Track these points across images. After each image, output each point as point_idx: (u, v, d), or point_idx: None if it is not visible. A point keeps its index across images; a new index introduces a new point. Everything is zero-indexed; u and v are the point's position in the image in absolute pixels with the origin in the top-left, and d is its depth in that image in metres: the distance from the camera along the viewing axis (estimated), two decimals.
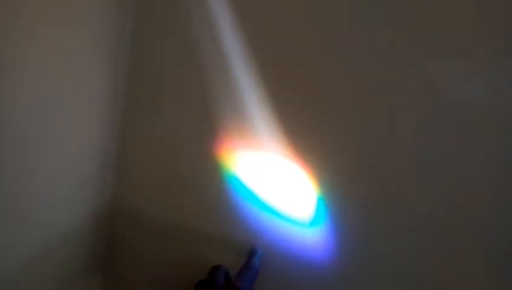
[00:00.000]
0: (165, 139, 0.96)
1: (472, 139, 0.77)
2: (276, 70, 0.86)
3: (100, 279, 1.07)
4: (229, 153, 0.91)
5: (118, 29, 0.92)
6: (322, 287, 0.89)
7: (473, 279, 0.82)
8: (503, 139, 0.76)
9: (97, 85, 0.91)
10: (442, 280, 0.83)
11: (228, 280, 0.85)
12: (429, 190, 0.81)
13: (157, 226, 1.00)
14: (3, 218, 0.77)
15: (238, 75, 0.87)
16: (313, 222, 0.88)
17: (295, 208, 0.89)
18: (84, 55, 0.85)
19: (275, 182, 0.89)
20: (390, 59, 0.79)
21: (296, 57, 0.84)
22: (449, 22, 0.75)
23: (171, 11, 0.91)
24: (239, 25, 0.85)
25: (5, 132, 0.73)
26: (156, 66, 0.94)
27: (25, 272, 0.84)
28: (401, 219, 0.83)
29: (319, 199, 0.87)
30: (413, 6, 0.77)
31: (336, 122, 0.84)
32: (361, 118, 0.83)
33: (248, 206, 0.91)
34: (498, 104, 0.75)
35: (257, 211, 0.91)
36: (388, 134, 0.82)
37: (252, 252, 0.89)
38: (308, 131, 0.86)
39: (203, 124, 0.91)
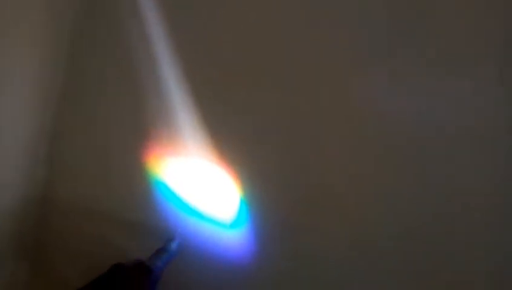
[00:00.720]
0: (97, 140, 0.99)
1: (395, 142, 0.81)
2: (205, 81, 0.89)
3: (27, 268, 1.06)
4: (157, 157, 0.93)
5: (54, 36, 0.93)
6: (238, 287, 0.90)
7: None
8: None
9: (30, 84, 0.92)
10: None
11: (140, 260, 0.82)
12: (358, 193, 0.83)
13: (85, 218, 1.00)
14: None
15: (168, 84, 0.90)
16: (234, 224, 0.89)
17: (218, 210, 0.90)
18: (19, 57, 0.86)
19: (200, 185, 0.91)
20: (313, 65, 0.82)
21: (224, 68, 0.88)
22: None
23: (105, 22, 0.95)
24: (171, 35, 0.88)
25: None
26: (92, 71, 0.98)
27: None
28: (326, 223, 0.85)
29: (241, 202, 0.88)
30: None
31: (259, 127, 0.87)
32: (285, 123, 0.85)
33: (171, 207, 0.92)
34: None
35: (181, 212, 0.92)
36: (313, 138, 0.84)
37: (170, 238, 0.87)
38: (233, 136, 0.88)
39: (134, 129, 0.95)
